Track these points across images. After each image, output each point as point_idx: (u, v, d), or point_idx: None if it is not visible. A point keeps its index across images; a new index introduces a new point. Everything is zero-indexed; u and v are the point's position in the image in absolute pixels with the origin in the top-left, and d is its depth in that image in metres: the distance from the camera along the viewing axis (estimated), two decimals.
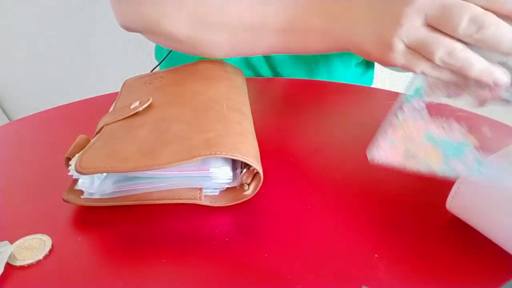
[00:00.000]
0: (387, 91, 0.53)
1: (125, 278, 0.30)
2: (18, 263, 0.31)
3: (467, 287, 0.28)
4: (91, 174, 0.33)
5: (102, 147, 0.35)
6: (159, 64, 0.59)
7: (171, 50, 0.58)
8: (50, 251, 0.32)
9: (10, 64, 1.41)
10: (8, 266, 0.31)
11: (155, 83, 0.45)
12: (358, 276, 0.29)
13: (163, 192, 0.35)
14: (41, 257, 0.31)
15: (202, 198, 0.34)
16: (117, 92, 0.48)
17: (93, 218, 0.35)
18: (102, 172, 0.33)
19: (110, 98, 0.53)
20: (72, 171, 0.34)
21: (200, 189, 0.35)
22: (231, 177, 0.35)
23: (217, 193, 0.35)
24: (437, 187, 0.36)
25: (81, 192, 0.35)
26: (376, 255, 0.30)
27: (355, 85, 0.56)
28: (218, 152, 0.32)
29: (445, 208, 0.32)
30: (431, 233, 0.32)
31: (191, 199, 0.34)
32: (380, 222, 0.33)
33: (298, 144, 0.43)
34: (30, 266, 0.31)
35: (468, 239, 0.31)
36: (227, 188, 0.36)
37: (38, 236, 0.33)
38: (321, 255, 0.31)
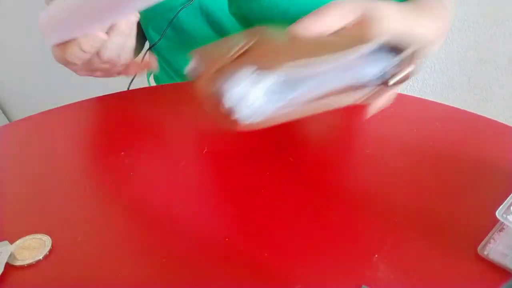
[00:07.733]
0: None
1: (125, 278, 0.30)
2: (18, 263, 0.31)
3: (467, 287, 0.28)
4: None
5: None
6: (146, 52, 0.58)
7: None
8: (50, 251, 0.32)
9: (10, 64, 1.41)
10: (8, 266, 0.31)
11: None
12: (358, 276, 0.29)
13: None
14: (41, 257, 0.31)
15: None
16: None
17: (93, 218, 0.35)
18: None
19: (110, 98, 0.53)
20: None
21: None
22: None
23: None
24: (436, 187, 0.36)
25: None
26: (376, 255, 0.30)
27: None
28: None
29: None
30: (431, 232, 0.32)
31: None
32: (380, 222, 0.33)
33: (298, 144, 0.43)
34: (30, 266, 0.31)
35: (468, 239, 0.31)
36: None
37: (38, 236, 0.33)
38: (321, 255, 0.31)
